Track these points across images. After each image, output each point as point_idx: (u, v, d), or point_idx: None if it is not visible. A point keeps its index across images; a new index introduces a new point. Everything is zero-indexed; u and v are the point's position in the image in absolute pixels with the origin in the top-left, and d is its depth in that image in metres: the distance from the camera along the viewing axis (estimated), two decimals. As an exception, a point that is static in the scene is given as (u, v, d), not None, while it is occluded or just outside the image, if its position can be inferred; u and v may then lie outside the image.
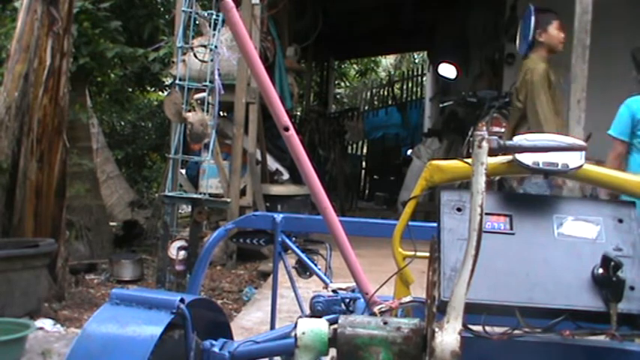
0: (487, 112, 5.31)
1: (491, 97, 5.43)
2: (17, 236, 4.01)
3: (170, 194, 4.02)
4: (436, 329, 1.04)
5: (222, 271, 5.30)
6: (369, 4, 9.74)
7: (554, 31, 4.09)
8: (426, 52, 13.62)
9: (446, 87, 9.76)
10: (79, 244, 5.44)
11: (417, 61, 17.16)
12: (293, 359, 1.16)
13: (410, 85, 14.65)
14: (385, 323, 1.12)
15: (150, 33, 6.64)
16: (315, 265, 1.87)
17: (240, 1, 5.28)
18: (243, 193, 5.64)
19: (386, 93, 15.13)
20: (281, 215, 1.88)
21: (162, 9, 7.33)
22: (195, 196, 4.17)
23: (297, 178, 6.13)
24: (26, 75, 4.08)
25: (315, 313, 1.64)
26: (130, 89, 8.25)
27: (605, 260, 1.12)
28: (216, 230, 1.93)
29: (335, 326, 1.13)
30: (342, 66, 16.34)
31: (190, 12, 4.19)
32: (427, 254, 1.25)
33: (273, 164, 6.45)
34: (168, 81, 7.29)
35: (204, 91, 4.17)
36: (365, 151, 13.64)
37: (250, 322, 3.61)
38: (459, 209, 1.22)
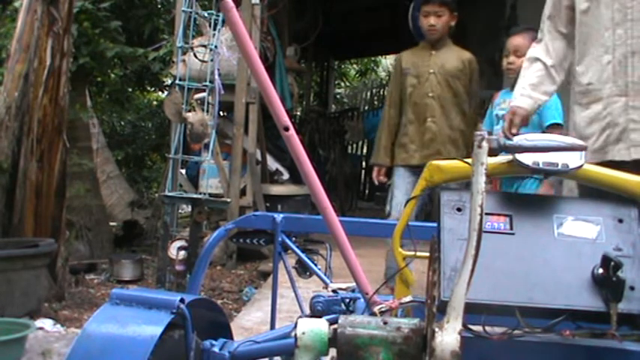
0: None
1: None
2: (17, 236, 4.01)
3: (170, 194, 4.02)
4: (436, 329, 1.04)
5: (222, 271, 5.30)
6: (369, 4, 9.74)
7: (420, 18, 3.97)
8: (426, 52, 13.60)
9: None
10: (79, 244, 5.45)
11: (417, 60, 17.14)
12: (293, 359, 1.16)
13: (410, 85, 14.62)
14: (385, 323, 1.12)
15: (150, 33, 6.64)
16: (315, 265, 1.87)
17: (240, 1, 5.28)
18: (243, 193, 5.64)
19: (386, 93, 15.10)
20: (281, 215, 1.88)
21: (162, 9, 7.33)
22: (195, 196, 4.18)
23: (297, 178, 6.13)
24: (26, 75, 4.08)
25: (315, 313, 1.64)
26: (130, 89, 8.25)
27: (605, 260, 1.12)
28: (216, 230, 1.93)
29: (335, 326, 1.13)
30: (342, 66, 16.34)
31: (190, 12, 4.19)
32: (427, 254, 1.25)
33: (273, 164, 6.45)
34: (168, 81, 7.29)
35: (204, 91, 4.17)
36: (365, 151, 13.63)
37: (250, 322, 3.61)
38: (459, 209, 1.22)
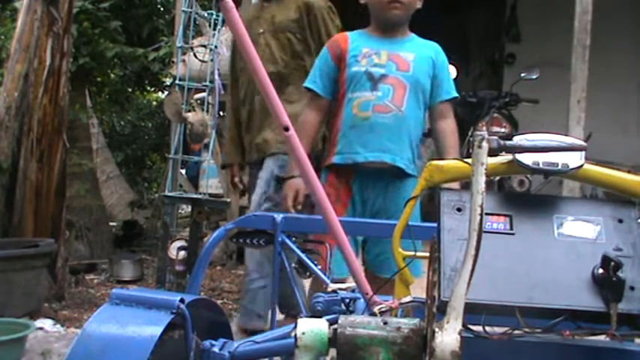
0: (487, 112, 5.31)
1: (491, 97, 5.42)
2: (17, 236, 4.01)
3: (170, 194, 4.02)
4: (436, 329, 1.04)
5: (222, 271, 5.30)
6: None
7: None
8: (426, 52, 13.59)
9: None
10: (79, 244, 5.45)
11: (417, 61, 17.11)
12: (293, 359, 1.16)
13: (410, 85, 14.57)
14: (385, 323, 1.12)
15: (149, 33, 6.65)
16: (316, 265, 1.87)
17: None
18: (243, 193, 5.63)
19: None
20: (281, 215, 1.88)
21: (162, 9, 7.34)
22: (195, 196, 4.18)
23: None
24: (26, 75, 4.08)
25: (315, 313, 1.64)
26: (130, 89, 8.26)
27: (605, 260, 1.12)
28: (216, 230, 1.93)
29: (335, 326, 1.13)
30: (342, 66, 16.30)
31: (190, 12, 4.20)
32: (427, 254, 1.25)
33: (273, 164, 6.43)
34: (168, 81, 7.30)
35: (204, 91, 4.18)
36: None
37: (250, 322, 3.60)
38: (459, 209, 1.22)
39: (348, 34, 2.56)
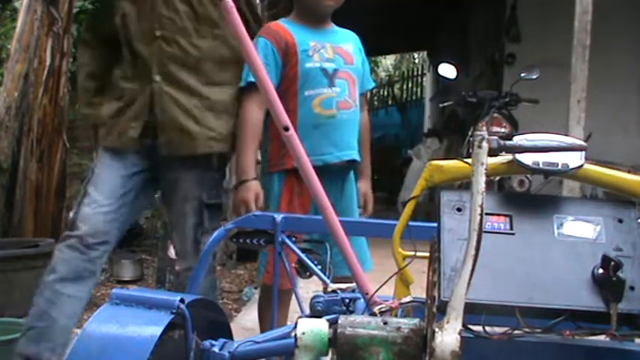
0: (487, 112, 5.30)
1: (491, 97, 5.41)
2: (17, 236, 4.01)
3: (170, 194, 3.99)
4: (436, 329, 1.04)
5: (222, 271, 5.29)
6: (369, 3, 9.73)
7: None
8: (426, 52, 13.64)
9: (446, 87, 9.78)
10: (79, 244, 5.43)
11: (417, 61, 17.18)
12: (293, 359, 1.16)
13: (410, 85, 14.65)
14: (385, 323, 1.12)
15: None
16: (315, 265, 1.87)
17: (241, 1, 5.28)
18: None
19: (386, 93, 15.12)
20: (281, 215, 1.88)
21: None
22: (195, 196, 4.15)
23: (297, 178, 6.09)
24: (26, 75, 4.09)
25: (315, 313, 1.64)
26: (130, 89, 8.25)
27: (605, 260, 1.12)
28: (216, 230, 1.92)
29: (335, 326, 1.13)
30: (342, 66, 16.31)
31: (190, 12, 4.18)
32: (427, 254, 1.25)
33: (273, 164, 6.43)
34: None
35: (204, 91, 4.16)
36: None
37: (250, 322, 3.61)
38: (459, 209, 1.22)
39: (283, 25, 2.37)
